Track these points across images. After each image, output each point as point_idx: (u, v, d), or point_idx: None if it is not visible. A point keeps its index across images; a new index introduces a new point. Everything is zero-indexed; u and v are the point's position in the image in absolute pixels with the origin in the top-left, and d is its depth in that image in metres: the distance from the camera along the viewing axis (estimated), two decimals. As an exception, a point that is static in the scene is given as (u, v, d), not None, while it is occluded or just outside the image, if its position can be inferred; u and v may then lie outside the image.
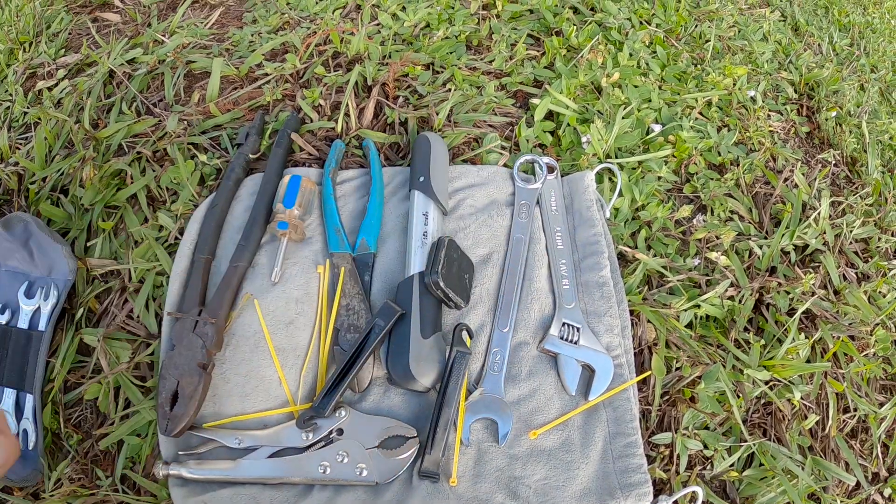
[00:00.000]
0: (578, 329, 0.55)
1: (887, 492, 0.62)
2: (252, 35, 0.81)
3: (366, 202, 0.61)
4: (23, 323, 0.58)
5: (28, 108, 0.77)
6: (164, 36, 0.83)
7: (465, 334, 0.52)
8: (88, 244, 0.63)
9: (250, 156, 0.64)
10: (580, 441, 0.51)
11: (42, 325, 0.58)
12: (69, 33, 0.90)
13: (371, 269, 0.57)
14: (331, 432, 0.49)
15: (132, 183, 0.65)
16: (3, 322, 0.58)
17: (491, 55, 0.77)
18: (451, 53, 0.76)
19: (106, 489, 0.49)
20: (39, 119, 0.74)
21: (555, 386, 0.53)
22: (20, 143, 0.74)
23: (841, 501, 0.59)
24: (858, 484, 0.61)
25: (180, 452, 0.48)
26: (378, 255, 0.58)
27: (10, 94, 0.80)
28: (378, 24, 0.81)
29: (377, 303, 0.56)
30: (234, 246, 0.57)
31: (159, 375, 0.50)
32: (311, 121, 0.69)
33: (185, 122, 0.71)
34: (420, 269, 0.55)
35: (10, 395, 0.55)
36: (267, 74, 0.74)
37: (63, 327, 0.59)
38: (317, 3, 0.84)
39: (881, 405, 0.66)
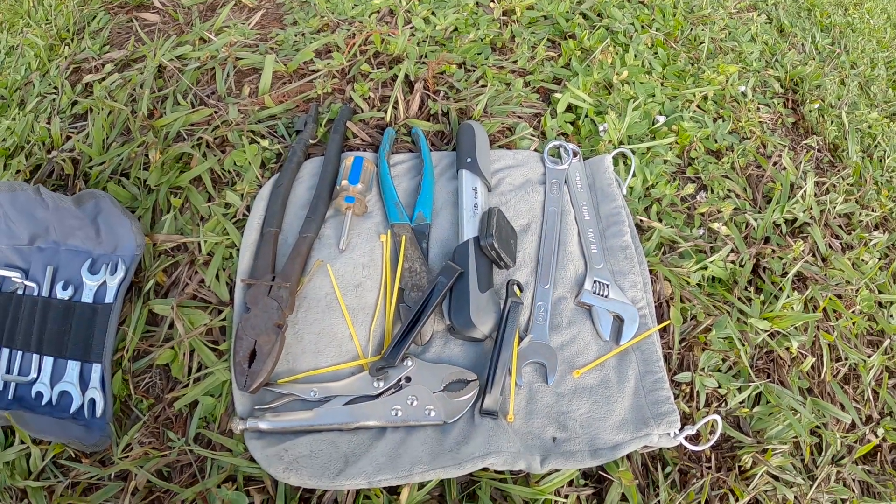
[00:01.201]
0: (607, 285, 0.63)
1: (880, 431, 0.71)
2: (296, 35, 0.89)
3: (418, 181, 0.69)
4: (87, 297, 0.60)
5: (78, 98, 0.80)
6: (210, 34, 0.90)
7: (516, 288, 0.60)
8: (154, 222, 0.67)
9: (309, 141, 0.71)
10: (616, 379, 0.59)
11: (109, 298, 0.59)
12: (110, 31, 0.94)
13: (427, 238, 0.64)
14: (400, 380, 0.53)
15: (196, 166, 0.71)
16: (66, 298, 0.60)
17: (514, 56, 0.87)
18: (479, 54, 0.85)
19: (180, 448, 0.50)
20: (91, 108, 0.78)
21: (591, 333, 0.61)
22: (71, 132, 0.77)
23: (841, 436, 0.68)
24: (854, 423, 0.70)
25: (256, 408, 0.51)
26: (433, 227, 0.66)
27: (56, 87, 0.84)
28: (412, 27, 0.90)
29: (435, 266, 0.63)
30: (299, 221, 0.63)
31: (235, 337, 0.53)
32: (362, 111, 0.77)
33: (242, 112, 0.78)
34: (473, 235, 0.62)
35: (74, 367, 0.57)
36: (315, 70, 0.82)
37: (131, 299, 0.61)
38: (353, 6, 0.93)
39: (869, 356, 0.75)
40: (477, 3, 0.95)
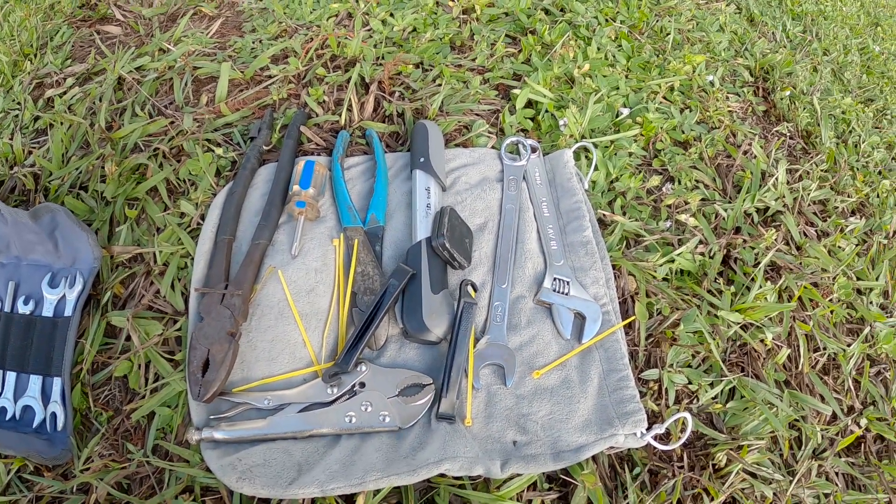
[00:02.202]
0: (568, 282, 0.61)
1: (863, 422, 0.68)
2: (253, 42, 0.88)
3: (372, 184, 0.67)
4: (47, 311, 0.60)
5: (39, 113, 0.80)
6: (169, 45, 0.89)
7: (470, 288, 0.58)
8: (112, 234, 0.67)
9: (263, 147, 0.70)
10: (578, 378, 0.57)
11: (68, 312, 0.59)
12: (73, 45, 0.94)
13: (381, 241, 0.63)
14: (354, 385, 0.52)
15: (152, 176, 0.70)
16: (28, 312, 0.60)
17: (473, 53, 0.85)
18: (437, 53, 0.84)
19: (139, 460, 0.51)
20: (53, 123, 0.78)
21: (551, 332, 0.59)
22: (33, 147, 0.77)
23: (821, 429, 0.65)
24: (836, 414, 0.67)
25: (211, 417, 0.51)
26: (386, 229, 0.64)
27: (19, 103, 0.84)
28: (370, 30, 0.89)
29: (388, 269, 0.62)
30: (253, 228, 0.62)
31: (189, 346, 0.53)
32: (317, 115, 0.75)
33: (198, 122, 0.77)
34: (425, 235, 0.61)
35: (36, 381, 0.57)
36: (271, 76, 0.81)
37: (89, 312, 0.61)
38: (312, 11, 0.92)
39: (849, 345, 0.73)
40: (437, 2, 0.94)
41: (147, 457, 0.51)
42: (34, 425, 0.55)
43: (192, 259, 0.62)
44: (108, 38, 0.96)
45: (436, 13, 0.91)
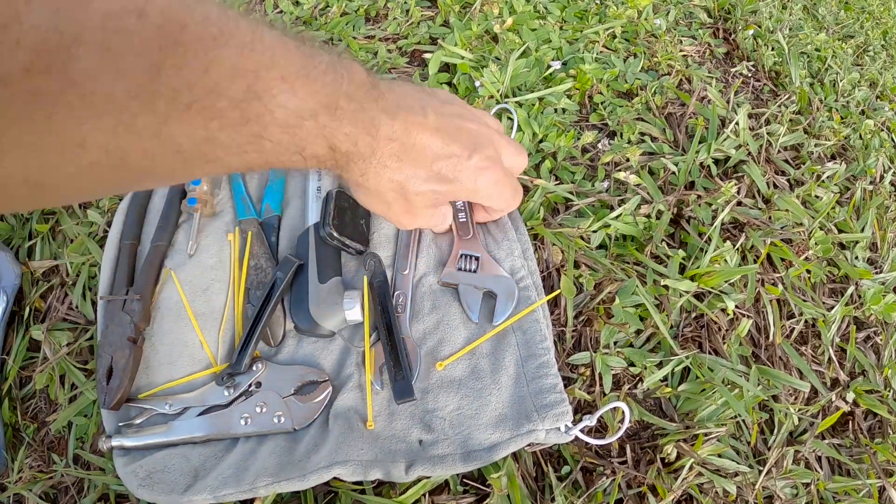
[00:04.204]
0: (477, 258, 0.53)
1: (850, 396, 0.58)
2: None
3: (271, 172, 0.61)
4: None
5: None
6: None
7: (373, 262, 0.52)
8: (31, 250, 0.65)
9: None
10: (490, 367, 0.49)
11: None
12: None
13: (278, 231, 0.58)
14: (250, 385, 0.50)
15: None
16: None
17: (386, 23, 0.78)
18: (348, 26, 0.77)
19: (61, 470, 0.51)
20: None
21: (460, 317, 0.51)
22: None
23: (799, 409, 0.56)
24: (816, 391, 0.58)
25: (120, 424, 0.50)
26: (284, 218, 0.59)
27: None
28: (280, 12, 0.82)
29: (280, 260, 0.56)
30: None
31: (97, 355, 0.52)
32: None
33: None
34: (316, 220, 0.54)
35: None
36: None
37: (14, 329, 0.61)
38: None
39: (830, 309, 0.63)
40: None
41: (68, 466, 0.52)
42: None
43: (100, 267, 0.59)
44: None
45: (350, -15, 0.84)
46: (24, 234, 0.66)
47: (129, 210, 0.61)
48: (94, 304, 0.59)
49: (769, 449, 0.53)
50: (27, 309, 0.60)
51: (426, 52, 0.75)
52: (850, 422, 0.57)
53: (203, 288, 0.55)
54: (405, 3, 0.81)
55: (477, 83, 0.68)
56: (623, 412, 0.48)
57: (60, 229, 0.66)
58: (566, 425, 0.46)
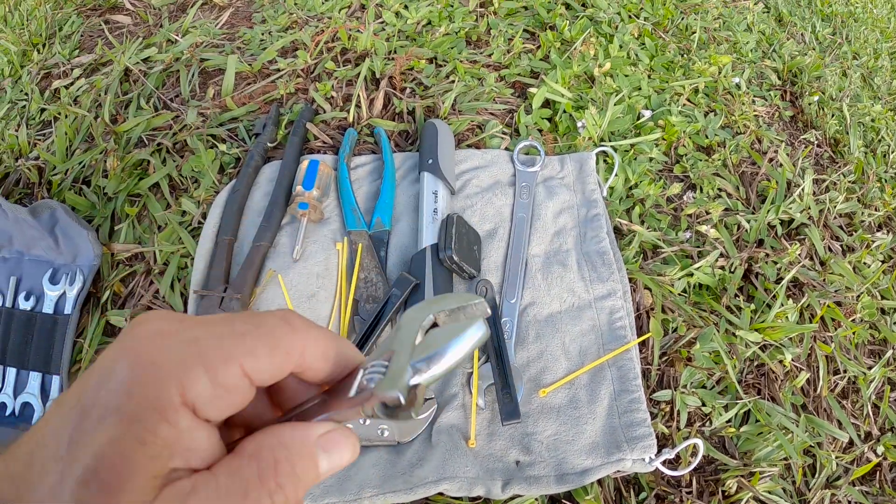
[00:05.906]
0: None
1: (880, 449, 0.65)
2: (262, 34, 0.85)
3: (379, 185, 0.65)
4: (48, 308, 0.60)
5: (45, 105, 0.80)
6: (177, 35, 0.87)
7: (486, 289, 0.56)
8: (113, 231, 0.67)
9: (268, 144, 0.68)
10: (587, 398, 0.54)
11: (68, 309, 0.60)
12: (81, 35, 0.93)
13: (386, 246, 0.61)
14: None
15: (154, 172, 0.69)
16: (28, 308, 0.61)
17: (490, 49, 0.82)
18: (452, 48, 0.81)
19: None
20: (58, 115, 0.77)
21: (560, 348, 0.57)
22: (38, 139, 0.77)
23: (836, 457, 0.63)
24: (852, 441, 0.65)
25: None
26: (392, 233, 0.62)
27: (26, 94, 0.83)
28: (382, 22, 0.85)
29: (393, 276, 0.59)
30: (255, 228, 0.60)
31: None
32: (325, 111, 0.73)
33: (203, 116, 0.75)
34: (431, 242, 0.58)
35: (35, 378, 0.58)
36: (279, 70, 0.78)
37: (89, 310, 0.61)
38: (323, 2, 0.89)
39: (870, 368, 0.70)
40: (452, -6, 0.90)
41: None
42: (33, 422, 0.56)
43: (193, 259, 0.60)
44: (116, 28, 0.94)
45: (451, 6, 0.88)
46: (107, 213, 0.67)
47: (228, 204, 0.61)
48: (182, 296, 0.59)
49: (810, 489, 0.60)
50: (106, 292, 0.60)
51: (527, 84, 0.79)
52: (878, 472, 0.64)
53: (308, 295, 0.56)
54: (507, 32, 0.84)
55: (579, 123, 0.73)
56: (698, 447, 0.55)
57: (146, 214, 0.67)
58: (650, 457, 0.52)
